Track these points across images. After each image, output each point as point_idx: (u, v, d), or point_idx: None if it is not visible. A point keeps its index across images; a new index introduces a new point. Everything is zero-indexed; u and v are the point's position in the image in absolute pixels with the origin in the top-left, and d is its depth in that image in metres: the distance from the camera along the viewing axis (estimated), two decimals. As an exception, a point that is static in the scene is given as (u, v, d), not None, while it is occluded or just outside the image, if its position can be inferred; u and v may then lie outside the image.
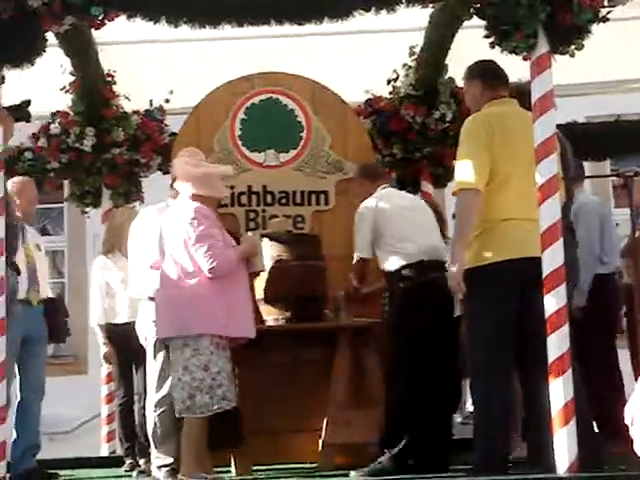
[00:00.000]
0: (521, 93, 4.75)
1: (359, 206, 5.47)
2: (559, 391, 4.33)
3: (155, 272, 5.02)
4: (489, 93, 4.65)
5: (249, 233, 5.87)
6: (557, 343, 4.36)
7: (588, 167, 7.17)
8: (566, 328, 4.37)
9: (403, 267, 5.17)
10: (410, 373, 4.99)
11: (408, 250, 5.19)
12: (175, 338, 4.76)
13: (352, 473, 5.02)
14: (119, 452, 6.55)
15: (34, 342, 5.70)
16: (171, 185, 5.44)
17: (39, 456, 5.90)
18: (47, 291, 5.99)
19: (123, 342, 6.00)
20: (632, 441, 2.02)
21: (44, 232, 10.74)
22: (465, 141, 4.53)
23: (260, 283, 5.83)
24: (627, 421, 1.91)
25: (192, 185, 4.91)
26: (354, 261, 5.42)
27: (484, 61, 4.77)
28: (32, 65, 4.84)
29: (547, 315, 4.36)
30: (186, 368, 4.70)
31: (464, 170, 4.46)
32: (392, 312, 5.31)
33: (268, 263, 5.81)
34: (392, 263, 5.21)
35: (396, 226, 5.27)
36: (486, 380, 4.44)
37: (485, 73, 4.71)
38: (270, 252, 5.84)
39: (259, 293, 5.81)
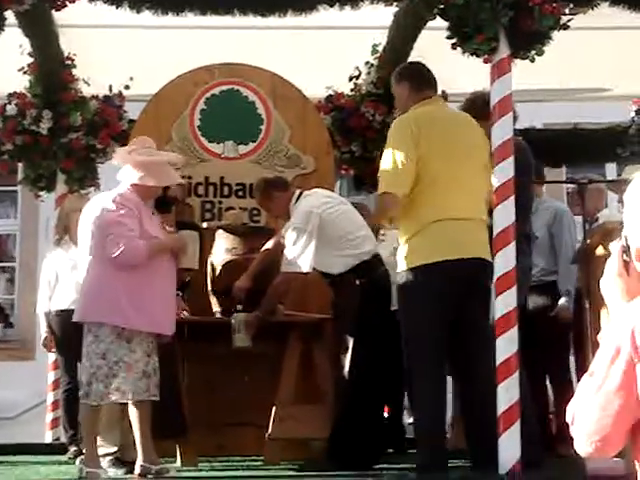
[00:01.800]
0: (474, 102, 4.82)
1: (284, 221, 5.41)
2: (505, 393, 4.37)
3: None
4: (416, 95, 4.66)
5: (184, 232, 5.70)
6: (505, 346, 4.39)
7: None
8: (514, 331, 4.41)
9: (361, 263, 5.18)
10: (373, 368, 5.01)
11: (364, 248, 5.21)
12: (82, 323, 4.71)
13: None
14: (63, 439, 6.49)
15: None
16: None
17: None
18: None
19: (68, 328, 5.94)
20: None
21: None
22: (390, 144, 4.55)
23: (213, 275, 5.82)
24: (568, 419, 1.94)
25: (131, 174, 4.77)
26: (282, 278, 5.27)
27: (412, 63, 4.85)
28: (-10, 44, 4.77)
29: (496, 318, 4.40)
30: (87, 354, 4.63)
31: (387, 173, 4.50)
32: (350, 308, 5.25)
33: (222, 255, 5.80)
34: (347, 262, 5.20)
35: (347, 223, 5.28)
36: (419, 382, 4.48)
37: (413, 76, 4.74)
38: (225, 244, 5.82)
39: (211, 285, 5.80)
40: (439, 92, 4.89)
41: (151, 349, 4.67)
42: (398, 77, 4.80)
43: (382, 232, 6.29)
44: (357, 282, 5.13)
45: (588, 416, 1.88)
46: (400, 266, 4.55)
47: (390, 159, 4.50)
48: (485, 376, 4.38)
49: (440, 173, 4.48)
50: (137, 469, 4.66)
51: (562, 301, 5.87)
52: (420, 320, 4.43)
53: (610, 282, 1.94)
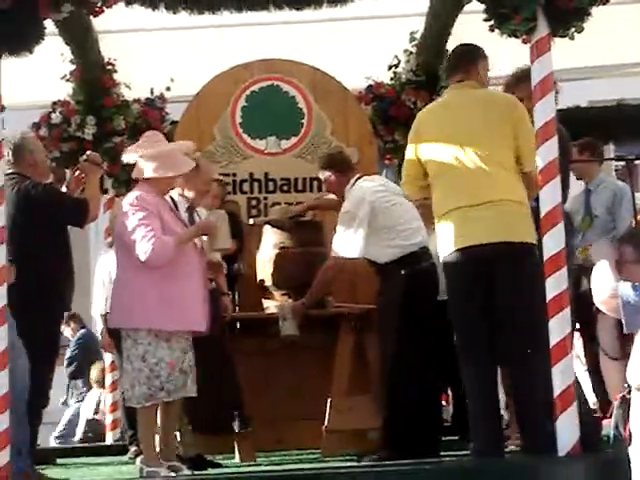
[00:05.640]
0: (520, 79, 4.80)
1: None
2: (560, 375, 4.32)
3: None
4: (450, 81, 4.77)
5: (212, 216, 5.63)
6: (558, 327, 4.34)
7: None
8: (567, 312, 4.36)
9: (408, 254, 5.17)
10: (416, 357, 5.00)
11: (413, 240, 5.19)
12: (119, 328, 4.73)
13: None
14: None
15: None
16: None
17: (44, 444, 5.93)
18: None
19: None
20: None
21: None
22: None
23: (263, 270, 5.84)
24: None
25: (142, 168, 4.74)
26: (330, 263, 5.29)
27: (454, 48, 4.89)
28: (31, 53, 4.81)
29: (548, 299, 4.35)
30: (128, 357, 4.62)
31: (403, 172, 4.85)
32: (395, 298, 5.24)
33: (270, 251, 5.82)
34: (394, 252, 5.18)
35: (400, 213, 5.26)
36: (465, 368, 4.52)
37: (448, 62, 4.83)
38: (272, 239, 5.85)
39: (262, 280, 5.83)
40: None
41: (187, 346, 4.66)
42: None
43: None
44: (402, 272, 5.11)
45: None
46: None
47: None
48: (523, 360, 4.39)
49: (445, 164, 4.55)
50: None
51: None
52: (453, 309, 4.55)
53: None
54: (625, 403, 3.09)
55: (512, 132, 4.47)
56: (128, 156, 4.81)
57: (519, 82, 4.78)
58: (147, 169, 4.71)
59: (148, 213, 4.59)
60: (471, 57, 4.68)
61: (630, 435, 3.01)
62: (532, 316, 4.37)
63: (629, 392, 3.03)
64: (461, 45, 4.82)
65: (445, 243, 4.54)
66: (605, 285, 3.04)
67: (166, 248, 4.55)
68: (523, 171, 4.50)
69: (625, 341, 3.05)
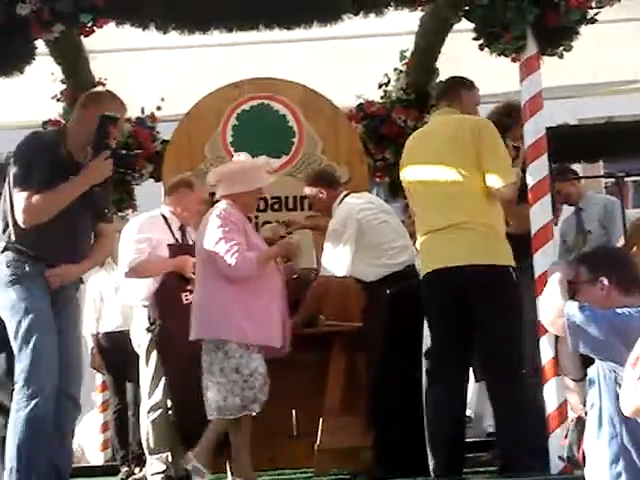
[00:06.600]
0: (512, 110, 4.89)
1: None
2: (553, 392, 4.33)
3: (146, 279, 5.03)
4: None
5: (295, 236, 5.70)
6: (549, 346, 4.35)
7: (580, 168, 7.22)
8: (558, 330, 4.36)
9: (393, 274, 5.16)
10: (402, 375, 4.99)
11: (399, 259, 5.18)
12: (207, 340, 4.75)
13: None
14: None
15: None
16: (165, 194, 5.47)
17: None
18: None
19: (115, 350, 5.99)
20: None
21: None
22: None
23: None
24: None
25: (219, 187, 4.91)
26: (320, 281, 5.35)
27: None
28: (22, 73, 4.83)
29: (539, 318, 4.35)
30: (222, 370, 4.67)
31: None
32: (379, 316, 5.23)
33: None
34: (379, 271, 5.17)
35: (386, 232, 5.25)
36: (431, 389, 4.63)
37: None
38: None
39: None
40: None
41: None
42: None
43: None
44: (387, 292, 5.11)
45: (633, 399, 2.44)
46: None
47: None
48: (496, 377, 4.47)
49: (416, 189, 4.75)
50: None
51: None
52: (428, 330, 4.69)
53: None
54: (581, 424, 3.10)
55: (478, 153, 4.52)
56: (208, 176, 5.01)
57: (512, 119, 4.85)
58: (221, 187, 4.87)
59: (233, 227, 4.70)
60: (455, 87, 4.81)
61: (584, 457, 3.02)
62: (505, 337, 4.41)
63: (586, 413, 3.04)
64: (451, 77, 4.96)
65: (422, 265, 4.72)
66: (552, 305, 3.07)
67: (248, 263, 4.66)
68: (489, 190, 4.52)
69: (585, 362, 3.06)
